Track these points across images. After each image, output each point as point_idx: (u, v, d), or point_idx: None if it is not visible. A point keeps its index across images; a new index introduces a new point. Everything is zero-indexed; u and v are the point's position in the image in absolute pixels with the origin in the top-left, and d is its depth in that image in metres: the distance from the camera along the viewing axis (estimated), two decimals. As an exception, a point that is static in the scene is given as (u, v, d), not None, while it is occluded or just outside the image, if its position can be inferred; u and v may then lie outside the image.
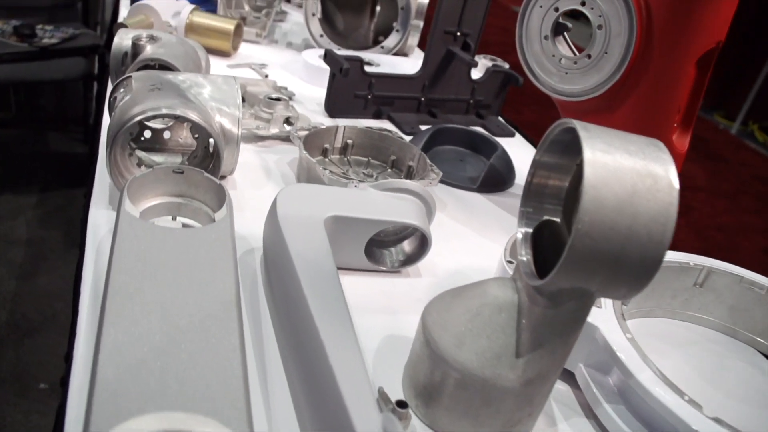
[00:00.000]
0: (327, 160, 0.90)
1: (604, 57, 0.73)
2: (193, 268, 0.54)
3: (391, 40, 1.33)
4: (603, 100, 0.74)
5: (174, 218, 0.69)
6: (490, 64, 1.25)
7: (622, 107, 0.74)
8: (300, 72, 1.23)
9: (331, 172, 0.77)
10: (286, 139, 0.94)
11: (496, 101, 1.18)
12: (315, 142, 0.88)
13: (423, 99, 1.11)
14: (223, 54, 1.25)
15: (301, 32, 1.52)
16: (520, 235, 0.51)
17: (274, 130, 0.92)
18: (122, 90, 0.74)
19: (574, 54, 0.78)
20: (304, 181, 0.82)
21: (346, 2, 1.45)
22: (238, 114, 0.76)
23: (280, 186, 0.83)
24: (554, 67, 0.77)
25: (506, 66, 1.30)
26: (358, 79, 1.04)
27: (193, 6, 1.24)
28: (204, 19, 1.24)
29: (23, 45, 2.08)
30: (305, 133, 0.86)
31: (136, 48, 0.91)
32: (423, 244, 0.70)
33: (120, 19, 1.31)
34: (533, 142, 1.17)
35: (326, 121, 1.05)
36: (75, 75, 2.17)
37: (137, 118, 0.66)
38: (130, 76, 0.74)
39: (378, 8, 1.48)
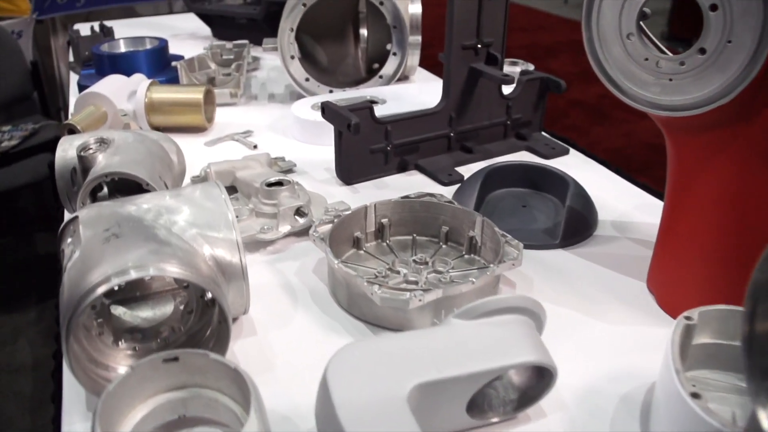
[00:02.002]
0: (362, 252, 0.68)
1: (727, 48, 0.51)
2: None
3: (389, 67, 1.12)
4: (733, 107, 0.52)
5: (182, 417, 0.47)
6: (517, 70, 1.03)
7: (765, 112, 0.52)
8: (293, 130, 1.02)
9: (380, 286, 0.55)
10: (301, 232, 0.73)
11: (536, 115, 0.96)
12: (342, 234, 0.66)
13: (452, 134, 0.89)
14: (197, 130, 1.04)
15: (282, 78, 1.31)
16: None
17: (284, 229, 0.70)
18: (69, 240, 0.53)
19: (663, 52, 0.56)
20: (344, 298, 0.61)
21: (324, 33, 1.24)
22: (235, 236, 0.54)
23: (313, 313, 0.61)
24: (650, 74, 0.56)
25: (532, 68, 1.08)
26: (371, 129, 0.82)
27: (149, 81, 1.03)
28: (165, 93, 1.02)
29: (-19, 155, 1.87)
30: (327, 227, 0.64)
31: (84, 161, 0.70)
32: (541, 373, 0.48)
33: (70, 113, 1.10)
34: (594, 156, 0.95)
35: (343, 193, 0.83)
36: (45, 173, 1.95)
37: (95, 295, 0.44)
38: (77, 218, 0.53)
39: (364, 31, 1.26)
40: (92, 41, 1.35)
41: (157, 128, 1.04)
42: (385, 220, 0.69)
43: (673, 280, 0.62)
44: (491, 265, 0.60)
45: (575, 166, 0.91)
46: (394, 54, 1.11)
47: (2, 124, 2.08)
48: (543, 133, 0.99)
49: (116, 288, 0.55)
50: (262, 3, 1.42)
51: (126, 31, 1.53)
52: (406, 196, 0.70)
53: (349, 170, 0.84)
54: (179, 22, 1.79)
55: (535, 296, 0.64)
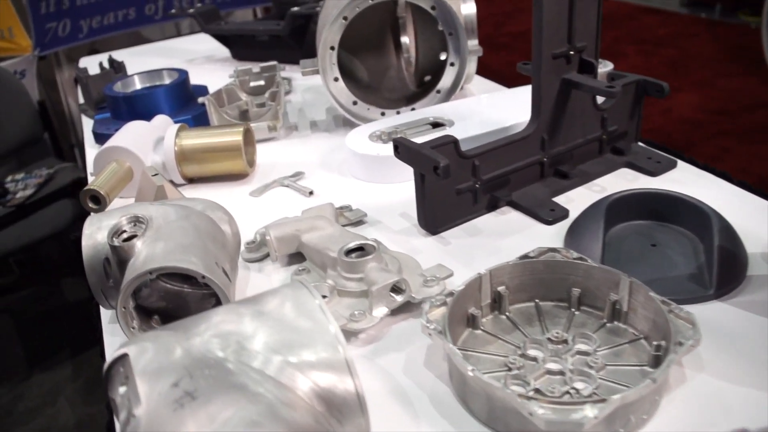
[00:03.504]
0: (479, 332, 0.55)
1: None
2: None
3: (446, 79, 0.97)
4: None
5: None
6: (601, 71, 0.88)
7: None
8: (351, 166, 0.88)
9: (537, 401, 0.41)
10: (398, 310, 0.59)
11: (632, 124, 0.82)
12: (455, 315, 0.52)
13: (545, 159, 0.75)
14: (237, 176, 0.90)
15: (320, 100, 1.17)
16: None
17: (379, 313, 0.56)
18: (122, 391, 0.39)
19: None
20: (482, 409, 0.47)
21: (361, 45, 1.10)
22: (344, 355, 0.40)
23: (441, 429, 0.47)
24: None
25: (611, 66, 0.94)
26: (456, 166, 0.68)
27: (177, 126, 0.90)
28: (197, 138, 0.88)
29: (-5, 210, 1.75)
30: (439, 312, 0.51)
31: (119, 252, 0.57)
32: None
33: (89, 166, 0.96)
34: (709, 167, 0.80)
35: (431, 247, 0.69)
36: (66, 221, 1.81)
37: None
38: (126, 357, 0.40)
39: (405, 39, 1.12)
40: (103, 80, 1.22)
41: (191, 180, 0.90)
42: (502, 288, 0.55)
43: None
44: (666, 353, 0.46)
45: (689, 182, 0.76)
46: (452, 64, 0.96)
47: (14, 171, 1.96)
48: (640, 143, 0.84)
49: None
50: (287, 17, 1.29)
51: (137, 61, 1.40)
52: (525, 256, 0.56)
53: (434, 218, 0.70)
54: (192, 44, 1.65)
55: (709, 374, 0.50)
